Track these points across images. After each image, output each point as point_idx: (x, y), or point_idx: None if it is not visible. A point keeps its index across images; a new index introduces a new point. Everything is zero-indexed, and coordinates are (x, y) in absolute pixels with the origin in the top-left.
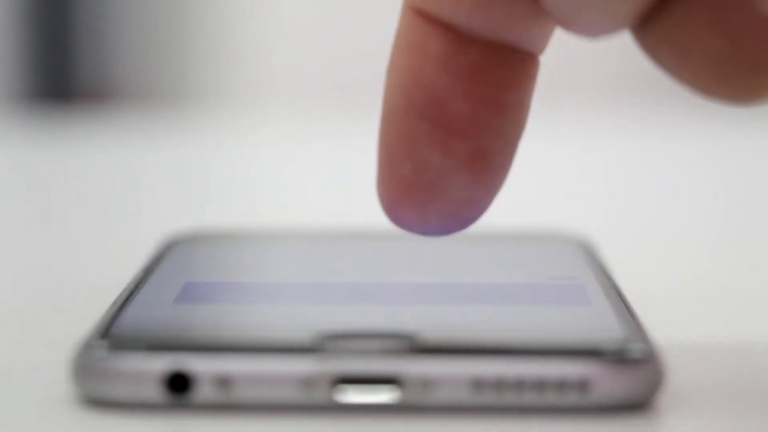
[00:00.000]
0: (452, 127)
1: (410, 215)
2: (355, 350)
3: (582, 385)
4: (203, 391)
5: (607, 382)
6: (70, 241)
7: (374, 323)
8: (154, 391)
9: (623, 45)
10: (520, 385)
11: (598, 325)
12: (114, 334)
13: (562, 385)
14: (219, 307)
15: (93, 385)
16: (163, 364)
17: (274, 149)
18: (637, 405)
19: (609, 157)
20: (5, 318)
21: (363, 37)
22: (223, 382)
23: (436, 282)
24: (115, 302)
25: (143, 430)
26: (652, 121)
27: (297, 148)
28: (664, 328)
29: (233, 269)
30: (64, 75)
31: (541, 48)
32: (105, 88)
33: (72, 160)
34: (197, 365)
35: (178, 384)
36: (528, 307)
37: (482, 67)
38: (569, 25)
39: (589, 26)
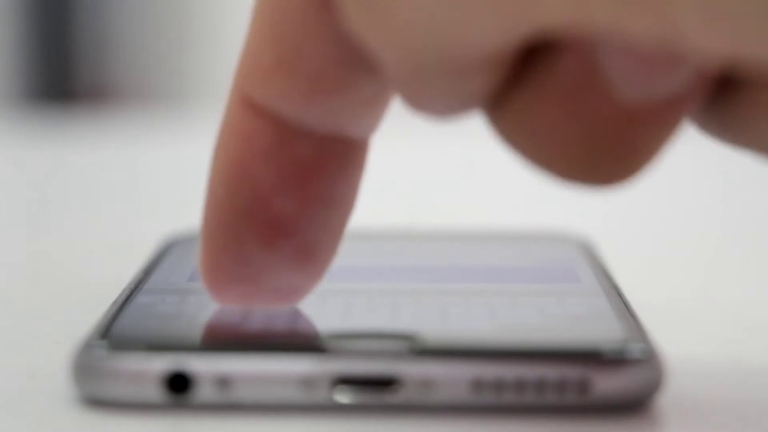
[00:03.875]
0: (276, 225)
1: (232, 299)
2: (355, 350)
3: (582, 385)
4: (203, 391)
5: (607, 382)
6: (70, 241)
7: (374, 323)
8: (154, 391)
9: None
10: (520, 385)
11: (598, 325)
12: (114, 334)
13: (561, 385)
14: (219, 306)
15: (93, 385)
16: (163, 364)
17: None
18: (637, 405)
19: None
20: (5, 318)
21: None
22: (223, 382)
23: (435, 282)
24: (115, 302)
25: (143, 430)
26: None
27: None
28: (664, 328)
29: None
30: (64, 75)
31: (372, 131)
32: (105, 88)
33: (72, 160)
34: (197, 365)
35: (178, 384)
36: (528, 307)
37: (310, 162)
38: (415, 106)
39: (433, 107)
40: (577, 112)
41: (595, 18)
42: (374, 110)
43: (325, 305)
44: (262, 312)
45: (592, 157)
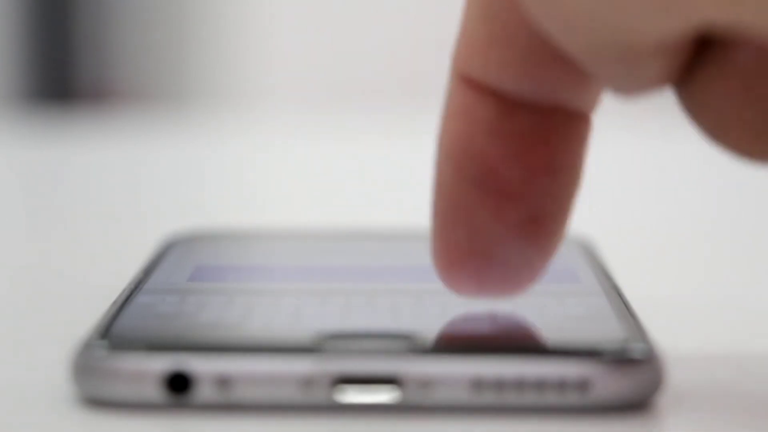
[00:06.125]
0: (504, 193)
1: (466, 281)
2: (355, 350)
3: (582, 385)
4: (203, 391)
5: (607, 382)
6: (70, 241)
7: (374, 323)
8: (154, 391)
9: None
10: (520, 385)
11: (598, 325)
12: (114, 334)
13: (562, 385)
14: (219, 306)
15: (93, 385)
16: (163, 364)
17: (273, 149)
18: (637, 405)
19: (609, 157)
20: (5, 318)
21: (362, 37)
22: (223, 382)
23: (435, 282)
24: (115, 302)
25: (143, 430)
26: (652, 121)
27: (297, 148)
28: (665, 328)
29: (233, 269)
30: (64, 75)
31: (592, 107)
32: (105, 88)
33: (72, 160)
34: (197, 365)
35: (178, 384)
36: (528, 307)
37: (533, 132)
38: (608, 86)
39: (624, 87)
40: (760, 94)
41: (754, 22)
42: (590, 85)
43: (325, 305)
44: (262, 312)
45: None
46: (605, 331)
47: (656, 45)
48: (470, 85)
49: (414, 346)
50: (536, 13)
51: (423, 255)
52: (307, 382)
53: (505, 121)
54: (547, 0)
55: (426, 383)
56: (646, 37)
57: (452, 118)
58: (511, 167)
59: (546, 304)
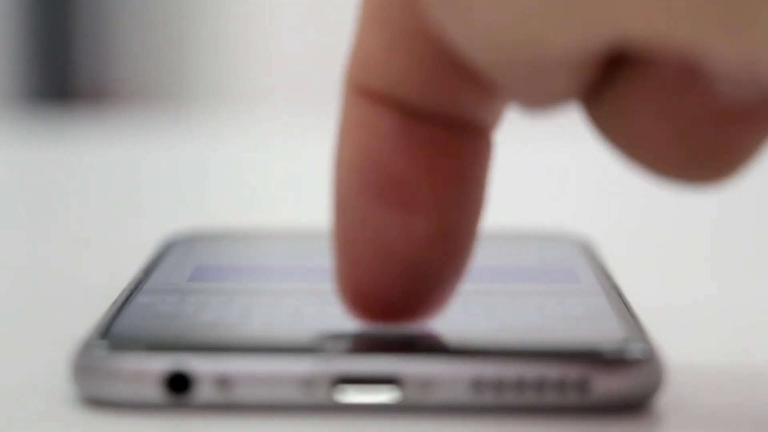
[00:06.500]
0: (413, 207)
1: (373, 304)
2: (355, 350)
3: (582, 385)
4: (203, 391)
5: (607, 382)
6: (70, 241)
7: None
8: (154, 391)
9: None
10: (520, 385)
11: (597, 325)
12: (114, 334)
13: (561, 385)
14: (219, 306)
15: (93, 385)
16: (163, 364)
17: (273, 149)
18: (637, 405)
19: (609, 157)
20: (5, 318)
21: None
22: (223, 382)
23: None
24: (115, 302)
25: (143, 430)
26: None
27: (297, 148)
28: (664, 328)
29: (233, 269)
30: (64, 75)
31: (493, 125)
32: (105, 88)
33: (72, 160)
34: (197, 365)
35: (178, 384)
36: (528, 307)
37: (438, 143)
38: (514, 100)
39: (531, 101)
40: (674, 110)
41: (675, 34)
42: (493, 98)
43: (325, 305)
44: (262, 312)
45: (688, 155)
46: (605, 331)
47: (567, 60)
48: (369, 96)
49: (414, 346)
50: (442, 19)
51: None
52: (307, 382)
53: (409, 132)
54: (454, 7)
55: (426, 383)
56: (557, 50)
57: (352, 130)
58: (418, 179)
59: (546, 304)
